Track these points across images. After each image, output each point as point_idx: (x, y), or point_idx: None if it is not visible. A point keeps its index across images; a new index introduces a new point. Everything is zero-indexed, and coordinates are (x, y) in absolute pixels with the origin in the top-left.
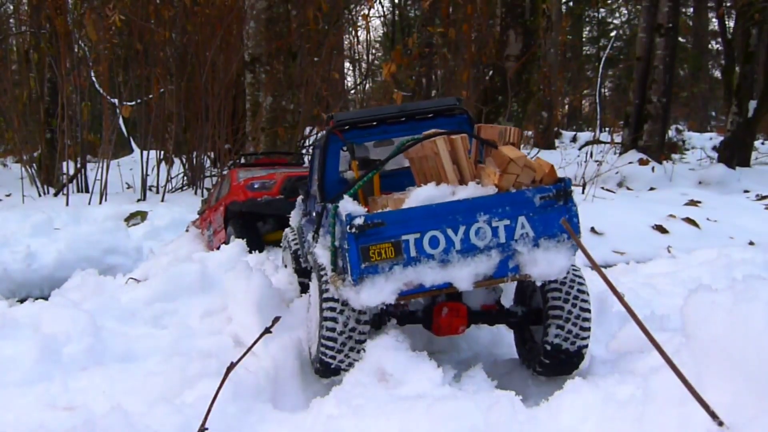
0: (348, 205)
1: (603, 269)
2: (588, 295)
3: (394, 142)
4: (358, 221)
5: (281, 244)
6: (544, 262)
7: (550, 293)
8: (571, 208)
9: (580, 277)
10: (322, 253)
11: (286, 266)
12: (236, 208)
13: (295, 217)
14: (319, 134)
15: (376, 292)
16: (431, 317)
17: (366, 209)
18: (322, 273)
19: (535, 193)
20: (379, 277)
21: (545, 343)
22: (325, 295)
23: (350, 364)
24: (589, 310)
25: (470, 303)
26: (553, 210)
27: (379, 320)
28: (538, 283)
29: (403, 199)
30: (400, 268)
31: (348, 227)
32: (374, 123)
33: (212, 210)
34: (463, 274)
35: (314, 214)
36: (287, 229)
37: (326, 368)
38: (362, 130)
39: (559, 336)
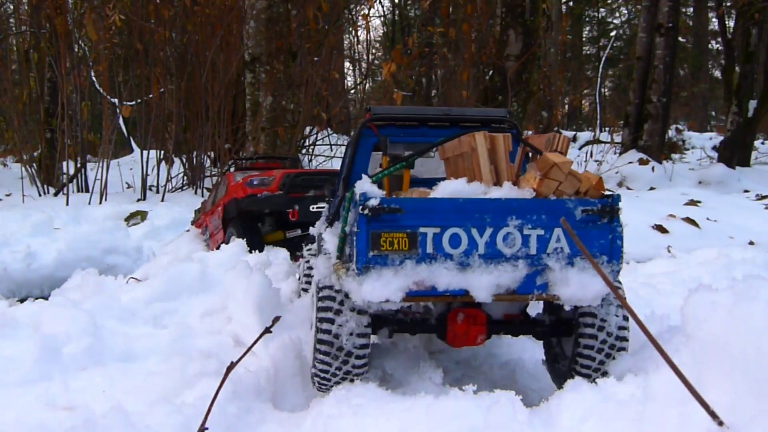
0: (365, 185)
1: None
2: (623, 291)
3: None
4: (373, 202)
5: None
6: (577, 284)
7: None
8: (616, 228)
9: (618, 281)
10: (329, 239)
11: (299, 278)
12: (236, 205)
13: (317, 227)
14: (319, 134)
15: (381, 286)
16: (445, 325)
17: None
18: (319, 290)
19: (578, 205)
20: (387, 269)
21: (577, 356)
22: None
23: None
24: (627, 318)
25: (491, 311)
26: (596, 227)
27: (382, 324)
28: (567, 307)
29: (429, 192)
30: (413, 264)
31: (361, 208)
32: (414, 123)
33: (208, 214)
34: (482, 283)
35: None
36: (305, 251)
37: (323, 384)
38: (400, 129)
39: (591, 347)
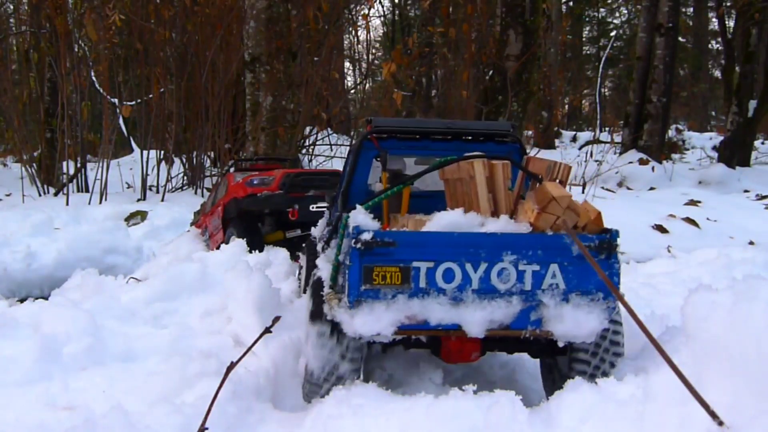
0: (359, 217)
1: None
2: (621, 325)
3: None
4: (366, 236)
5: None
6: (571, 321)
7: None
8: (613, 264)
9: (614, 319)
10: (323, 266)
11: (299, 279)
12: (236, 205)
13: (318, 228)
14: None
15: (373, 320)
16: (439, 342)
17: (383, 227)
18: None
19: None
20: (379, 303)
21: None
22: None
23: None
24: (620, 344)
25: None
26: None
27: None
28: (561, 344)
29: (425, 221)
30: (405, 299)
31: (353, 241)
32: (416, 135)
33: (208, 215)
34: (475, 318)
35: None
36: (301, 259)
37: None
38: (401, 141)
39: (584, 373)
